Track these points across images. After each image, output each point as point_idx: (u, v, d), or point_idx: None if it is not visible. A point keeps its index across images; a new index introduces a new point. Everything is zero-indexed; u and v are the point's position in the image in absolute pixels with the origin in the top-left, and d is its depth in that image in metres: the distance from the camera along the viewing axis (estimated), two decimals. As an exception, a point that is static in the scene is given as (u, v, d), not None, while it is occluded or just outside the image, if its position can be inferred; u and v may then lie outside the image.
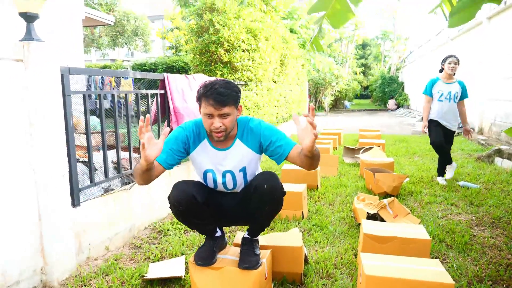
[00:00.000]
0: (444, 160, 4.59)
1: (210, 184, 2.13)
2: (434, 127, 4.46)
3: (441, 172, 4.62)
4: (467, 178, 4.83)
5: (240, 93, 2.00)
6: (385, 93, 23.47)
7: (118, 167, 3.04)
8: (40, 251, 2.25)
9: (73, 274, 2.37)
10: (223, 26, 5.38)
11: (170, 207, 2.03)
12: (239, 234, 2.42)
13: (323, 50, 4.06)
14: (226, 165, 2.05)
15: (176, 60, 12.99)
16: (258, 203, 1.98)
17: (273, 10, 8.91)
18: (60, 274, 2.32)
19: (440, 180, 4.59)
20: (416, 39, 23.68)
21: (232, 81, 5.25)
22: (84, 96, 2.59)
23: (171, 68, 12.79)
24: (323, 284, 2.26)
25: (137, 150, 3.75)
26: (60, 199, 2.32)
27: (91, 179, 2.69)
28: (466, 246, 2.79)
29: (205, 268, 1.97)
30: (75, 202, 2.48)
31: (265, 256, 2.05)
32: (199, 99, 1.92)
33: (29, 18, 2.17)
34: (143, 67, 13.26)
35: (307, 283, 2.27)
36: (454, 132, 4.50)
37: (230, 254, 2.12)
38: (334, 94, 20.88)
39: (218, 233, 2.15)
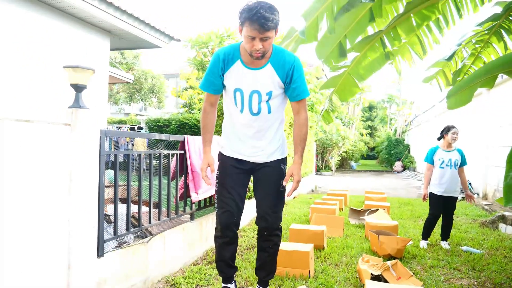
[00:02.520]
0: (447, 226, 4.74)
1: (238, 104, 2.32)
2: (436, 199, 4.69)
3: (426, 236, 4.80)
4: (470, 243, 4.94)
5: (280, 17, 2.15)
6: (391, 155, 23.80)
7: (138, 220, 3.26)
8: (65, 298, 2.43)
9: (92, 322, 2.52)
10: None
11: (216, 232, 2.58)
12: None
13: (333, 121, 4.41)
14: (254, 84, 2.24)
15: (189, 118, 13.54)
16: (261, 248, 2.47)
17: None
18: (82, 321, 2.47)
19: (444, 244, 4.71)
20: (421, 104, 24.44)
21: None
22: (115, 155, 2.90)
23: (184, 125, 13.30)
24: None
25: (155, 205, 3.98)
26: (88, 249, 2.53)
27: (115, 232, 2.92)
28: (467, 311, 2.90)
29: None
30: (99, 253, 2.69)
31: (275, 310, 2.21)
32: (243, 21, 2.06)
33: (78, 88, 2.54)
34: (157, 123, 13.81)
35: None
36: (457, 198, 4.70)
37: None
38: (341, 154, 21.24)
39: (232, 286, 2.35)
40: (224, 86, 2.43)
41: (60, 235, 2.39)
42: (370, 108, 36.11)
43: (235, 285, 2.47)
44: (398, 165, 21.76)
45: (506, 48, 4.05)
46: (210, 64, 2.35)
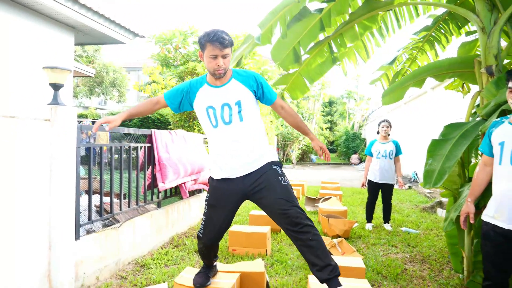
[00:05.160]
0: (386, 210, 5.35)
1: (212, 120, 2.47)
2: (372, 186, 5.32)
3: (369, 218, 5.42)
4: (409, 225, 5.58)
5: None
6: (348, 148, 24.88)
7: (110, 208, 3.56)
8: (47, 276, 2.71)
9: (72, 297, 2.83)
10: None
11: (198, 243, 2.68)
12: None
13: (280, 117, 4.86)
14: (223, 98, 2.43)
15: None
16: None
17: (245, 72, 9.88)
18: (62, 296, 2.77)
19: (386, 226, 5.31)
20: (377, 100, 25.67)
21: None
22: (90, 148, 3.18)
23: (147, 119, 13.42)
24: (280, 304, 2.82)
25: (116, 195, 4.24)
26: (67, 232, 2.82)
27: (89, 217, 3.21)
28: (397, 277, 3.44)
29: (187, 287, 2.50)
30: (76, 236, 2.98)
31: (235, 277, 2.61)
32: (204, 44, 2.33)
33: (56, 87, 2.81)
34: (119, 117, 13.81)
35: (267, 303, 2.83)
36: (392, 185, 5.31)
37: (219, 278, 2.65)
38: (301, 148, 22.00)
39: (214, 263, 2.74)
40: (195, 109, 2.59)
41: (42, 220, 2.66)
42: (330, 103, 37.24)
43: (216, 261, 2.81)
44: (354, 157, 22.78)
45: (436, 54, 4.66)
46: (182, 84, 2.60)
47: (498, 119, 2.40)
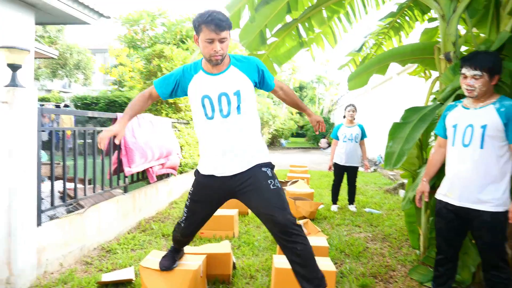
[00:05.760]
0: (351, 191, 5.53)
1: (208, 110, 2.25)
2: (338, 168, 5.45)
3: (335, 200, 5.57)
4: (373, 206, 5.79)
5: None
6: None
7: (75, 193, 3.49)
8: (7, 263, 2.65)
9: (34, 284, 2.78)
10: (170, 71, 6.06)
11: (175, 228, 2.60)
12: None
13: None
14: (221, 87, 2.22)
15: (119, 96, 13.33)
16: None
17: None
18: (23, 284, 2.71)
19: (351, 207, 5.49)
20: (345, 85, 26.09)
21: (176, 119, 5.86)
22: (51, 132, 3.09)
23: (114, 103, 13.08)
24: (246, 283, 2.89)
25: (81, 181, 4.14)
26: (28, 218, 2.76)
27: (52, 203, 3.14)
28: (359, 255, 3.59)
29: (152, 270, 2.51)
30: (38, 222, 2.91)
31: (201, 259, 2.65)
32: (199, 27, 2.11)
33: (14, 68, 2.70)
34: (84, 101, 13.41)
35: (234, 282, 2.89)
36: (357, 167, 5.47)
37: (186, 260, 2.67)
38: (272, 132, 22.12)
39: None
40: (189, 98, 2.40)
41: (1, 207, 2.59)
42: (301, 88, 37.47)
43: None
44: (323, 142, 23.18)
45: (400, 40, 4.78)
46: (174, 71, 2.40)
47: (453, 102, 2.52)
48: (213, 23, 2.07)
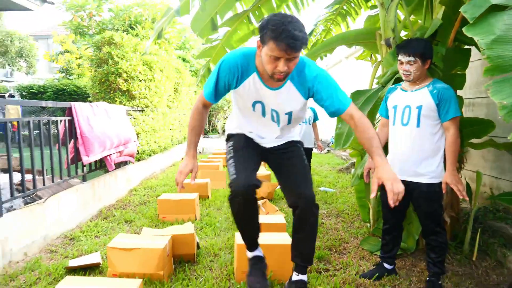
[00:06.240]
0: None
1: (258, 111, 2.12)
2: None
3: None
4: (327, 185, 6.14)
5: None
6: (273, 117, 25.64)
7: (33, 184, 3.47)
8: (-31, 254, 2.64)
9: (0, 273, 2.79)
10: (121, 58, 5.98)
11: (232, 197, 2.12)
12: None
13: None
14: (273, 104, 2.05)
15: (68, 84, 12.82)
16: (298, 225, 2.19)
17: (167, 42, 9.68)
18: (-12, 273, 2.72)
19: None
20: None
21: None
22: (19, 123, 3.05)
23: (62, 92, 12.58)
24: (211, 261, 3.06)
25: (28, 171, 4.06)
26: (-12, 209, 2.75)
27: (12, 194, 3.12)
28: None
29: (120, 250, 2.60)
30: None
31: (167, 239, 2.78)
32: (265, 37, 1.76)
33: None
34: (30, 90, 12.77)
35: (198, 260, 3.05)
36: (311, 148, 5.77)
37: (152, 240, 2.78)
38: (227, 117, 22.19)
39: (260, 253, 2.39)
40: (234, 92, 2.17)
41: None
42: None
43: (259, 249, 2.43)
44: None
45: (348, 26, 5.06)
46: (220, 71, 2.03)
47: (393, 86, 2.79)
48: (285, 42, 1.71)
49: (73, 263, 2.82)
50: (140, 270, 2.58)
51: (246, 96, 2.08)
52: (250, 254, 2.44)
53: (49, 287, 2.55)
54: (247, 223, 2.29)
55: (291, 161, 2.26)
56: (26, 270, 2.84)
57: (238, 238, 2.82)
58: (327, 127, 12.07)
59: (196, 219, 4.14)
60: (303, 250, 2.31)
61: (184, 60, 13.00)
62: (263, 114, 2.14)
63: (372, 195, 2.01)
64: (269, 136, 2.27)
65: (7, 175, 3.22)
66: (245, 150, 2.23)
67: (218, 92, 2.09)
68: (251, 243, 2.39)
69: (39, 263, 2.95)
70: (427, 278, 2.61)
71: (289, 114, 2.10)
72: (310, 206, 2.16)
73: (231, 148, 2.28)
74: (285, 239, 2.88)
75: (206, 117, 2.26)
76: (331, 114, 2.05)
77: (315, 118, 5.77)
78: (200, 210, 4.48)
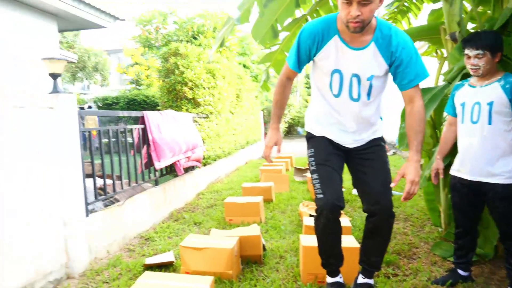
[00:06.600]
0: None
1: (335, 87, 2.03)
2: None
3: None
4: (394, 188, 5.90)
5: None
6: (334, 119, 25.19)
7: (113, 188, 3.79)
8: (64, 250, 2.95)
9: (88, 268, 3.09)
10: (186, 68, 6.30)
11: (317, 217, 2.15)
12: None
13: (270, 90, 5.07)
14: (355, 67, 1.94)
15: (138, 94, 13.71)
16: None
17: (228, 49, 10.00)
18: (78, 268, 3.02)
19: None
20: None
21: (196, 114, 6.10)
22: (98, 132, 3.39)
23: (133, 102, 13.47)
24: (277, 262, 3.12)
25: (108, 176, 4.43)
26: (79, 210, 3.06)
27: (95, 196, 3.44)
28: (381, 233, 3.78)
29: (192, 249, 2.76)
30: (86, 213, 3.21)
31: (235, 240, 2.90)
32: None
33: (55, 76, 2.98)
34: (105, 101, 13.85)
35: (265, 262, 3.13)
36: None
37: (221, 240, 2.93)
38: (288, 121, 22.26)
39: (341, 279, 2.33)
40: (313, 65, 2.15)
41: (56, 199, 2.89)
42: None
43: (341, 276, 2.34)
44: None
45: (409, 23, 4.89)
46: (300, 41, 2.03)
47: (460, 82, 2.67)
48: None
49: (149, 261, 3.05)
50: (211, 269, 2.71)
51: (326, 64, 2.01)
52: (330, 280, 2.36)
53: (130, 282, 2.78)
54: (331, 245, 2.26)
55: (372, 164, 2.18)
56: (109, 266, 3.12)
57: (303, 240, 2.86)
58: (392, 127, 11.60)
59: (261, 222, 4.24)
60: (372, 257, 2.28)
61: (244, 66, 13.33)
62: (339, 90, 2.03)
63: (393, 184, 2.04)
64: (349, 124, 2.14)
65: (91, 179, 3.57)
66: (328, 163, 2.17)
67: (300, 59, 2.08)
68: (332, 267, 2.32)
69: (120, 260, 3.22)
70: (508, 287, 2.45)
71: (371, 80, 1.98)
72: (387, 216, 2.12)
73: (312, 159, 2.23)
74: (351, 241, 2.86)
75: (289, 91, 2.25)
76: (402, 87, 2.00)
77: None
78: (264, 213, 4.58)
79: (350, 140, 2.20)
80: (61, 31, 7.59)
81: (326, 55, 1.99)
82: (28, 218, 2.61)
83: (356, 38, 1.91)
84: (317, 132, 2.26)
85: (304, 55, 2.06)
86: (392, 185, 2.05)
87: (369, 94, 2.04)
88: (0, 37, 5.50)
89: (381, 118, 2.24)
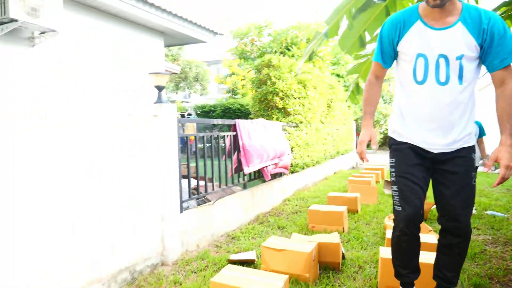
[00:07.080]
0: None
1: (419, 73, 1.96)
2: None
3: None
4: (497, 209, 5.41)
5: None
6: (434, 131, 23.49)
7: (205, 188, 4.15)
8: (161, 240, 3.35)
9: (179, 258, 3.45)
10: (278, 79, 6.56)
11: (394, 227, 2.15)
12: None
13: (359, 103, 5.03)
14: (441, 47, 1.87)
15: (233, 103, 14.48)
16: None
17: (321, 60, 10.08)
18: (172, 257, 3.40)
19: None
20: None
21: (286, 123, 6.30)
22: (195, 137, 3.77)
23: (229, 110, 14.27)
24: (355, 272, 3.13)
25: (201, 178, 4.81)
26: (174, 206, 3.44)
27: (189, 195, 3.82)
28: (475, 256, 3.49)
29: (272, 249, 2.93)
30: (181, 210, 3.59)
31: (314, 245, 3.00)
32: None
33: (160, 88, 3.41)
34: (204, 109, 14.90)
35: (343, 270, 3.16)
36: (477, 167, 5.15)
37: (300, 244, 3.06)
38: (383, 132, 21.39)
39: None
40: (396, 57, 2.11)
41: (156, 196, 3.30)
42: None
43: None
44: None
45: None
46: (383, 32, 2.07)
47: None
48: None
49: (233, 257, 3.29)
50: (289, 270, 2.85)
51: (409, 50, 1.97)
52: None
53: (215, 274, 3.04)
54: (404, 257, 2.22)
55: (456, 179, 2.05)
56: (198, 258, 3.44)
57: (383, 252, 2.84)
58: (496, 143, 10.51)
59: (343, 231, 4.24)
60: (447, 273, 2.21)
61: (338, 76, 13.26)
62: (426, 72, 1.93)
63: (485, 169, 1.96)
64: (437, 118, 2.00)
65: (186, 180, 3.97)
66: (408, 175, 2.08)
67: (384, 50, 2.09)
68: (405, 278, 2.26)
69: (208, 254, 3.52)
70: None
71: (460, 58, 1.87)
72: (464, 233, 2.07)
73: (393, 170, 2.18)
74: (431, 258, 2.75)
75: (378, 89, 2.24)
76: (494, 67, 1.89)
77: (482, 133, 5.20)
78: (348, 223, 4.57)
79: (436, 142, 2.04)
80: (167, 46, 8.44)
81: (409, 40, 1.97)
82: (136, 212, 3.04)
83: (441, 20, 1.88)
84: (400, 136, 2.16)
85: (388, 46, 2.06)
86: (484, 170, 1.98)
87: (460, 77, 1.90)
88: (115, 52, 6.34)
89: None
